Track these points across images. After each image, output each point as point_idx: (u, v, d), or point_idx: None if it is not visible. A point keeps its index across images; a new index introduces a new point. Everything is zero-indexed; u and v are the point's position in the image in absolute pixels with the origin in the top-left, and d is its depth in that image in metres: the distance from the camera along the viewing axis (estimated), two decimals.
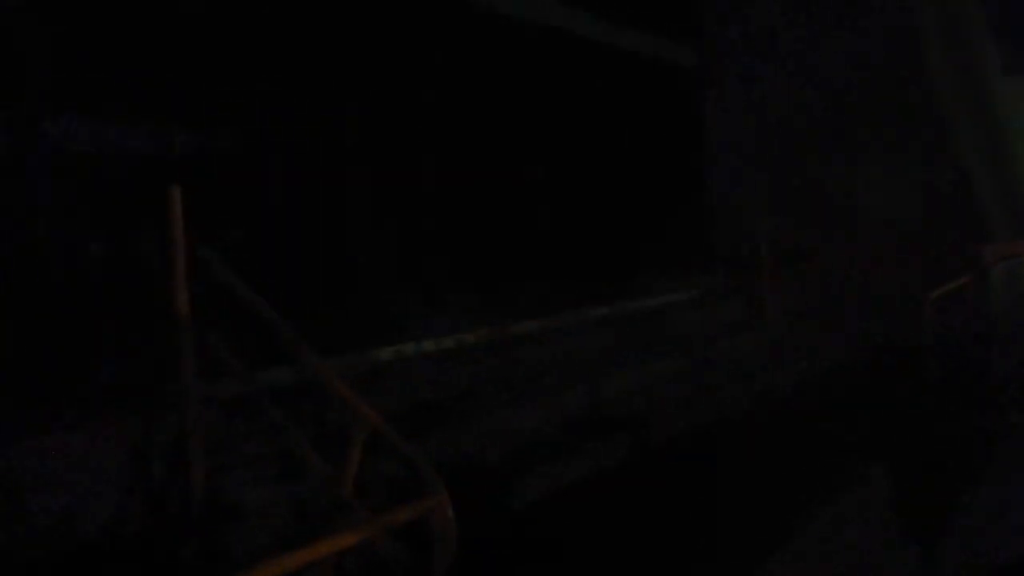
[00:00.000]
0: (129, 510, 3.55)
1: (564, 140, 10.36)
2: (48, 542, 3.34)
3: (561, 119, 10.20)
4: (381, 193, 8.94)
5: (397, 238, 8.97)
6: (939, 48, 12.29)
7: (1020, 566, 4.03)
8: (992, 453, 5.86)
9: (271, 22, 6.82)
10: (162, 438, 3.67)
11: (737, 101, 11.50)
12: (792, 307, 8.99)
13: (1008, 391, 7.37)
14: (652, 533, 4.35)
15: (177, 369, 3.65)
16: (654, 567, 4.06)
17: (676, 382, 6.56)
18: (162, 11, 6.18)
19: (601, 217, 10.73)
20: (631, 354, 6.79)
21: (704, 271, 10.14)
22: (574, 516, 4.53)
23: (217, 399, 3.88)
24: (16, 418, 3.73)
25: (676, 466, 5.42)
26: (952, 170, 12.18)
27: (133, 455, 3.60)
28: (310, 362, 3.22)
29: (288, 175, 7.81)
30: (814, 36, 11.65)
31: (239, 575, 2.43)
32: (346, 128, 8.04)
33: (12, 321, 4.96)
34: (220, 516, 3.65)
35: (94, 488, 3.48)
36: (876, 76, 11.72)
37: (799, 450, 5.60)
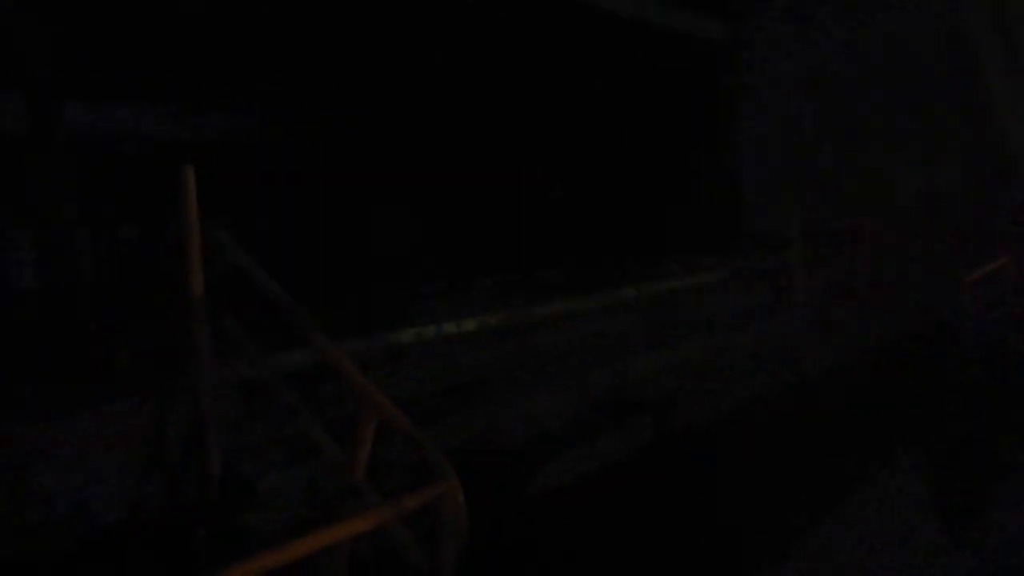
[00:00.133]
0: (145, 493, 3.55)
1: (591, 118, 10.19)
2: (64, 525, 3.35)
3: (588, 96, 10.03)
4: (405, 175, 8.89)
5: (421, 220, 8.93)
6: (986, 28, 11.83)
7: None
8: None
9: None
10: (178, 421, 3.66)
11: (772, 76, 11.19)
12: (825, 289, 8.76)
13: None
14: (676, 520, 4.25)
15: (193, 352, 3.62)
16: (678, 555, 3.97)
17: (703, 366, 6.42)
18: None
19: (628, 196, 10.56)
20: (656, 337, 6.66)
21: (735, 251, 9.94)
22: (595, 502, 4.45)
23: (233, 381, 3.85)
24: (35, 399, 3.74)
25: (701, 451, 5.31)
26: (995, 153, 11.76)
27: (149, 438, 3.59)
28: (322, 346, 3.16)
29: (317, 159, 7.80)
30: (854, 10, 11.27)
31: (252, 560, 2.39)
32: (372, 112, 7.99)
33: (33, 307, 5.00)
34: (236, 499, 3.63)
35: (110, 471, 3.48)
36: (919, 54, 11.32)
37: (829, 435, 5.44)
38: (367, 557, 3.16)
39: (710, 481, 4.80)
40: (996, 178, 11.79)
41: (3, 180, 5.44)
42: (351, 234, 8.61)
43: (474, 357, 5.63)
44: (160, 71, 6.90)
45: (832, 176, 10.99)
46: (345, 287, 8.08)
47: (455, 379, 5.27)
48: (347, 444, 3.12)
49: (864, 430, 5.59)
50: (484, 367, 5.58)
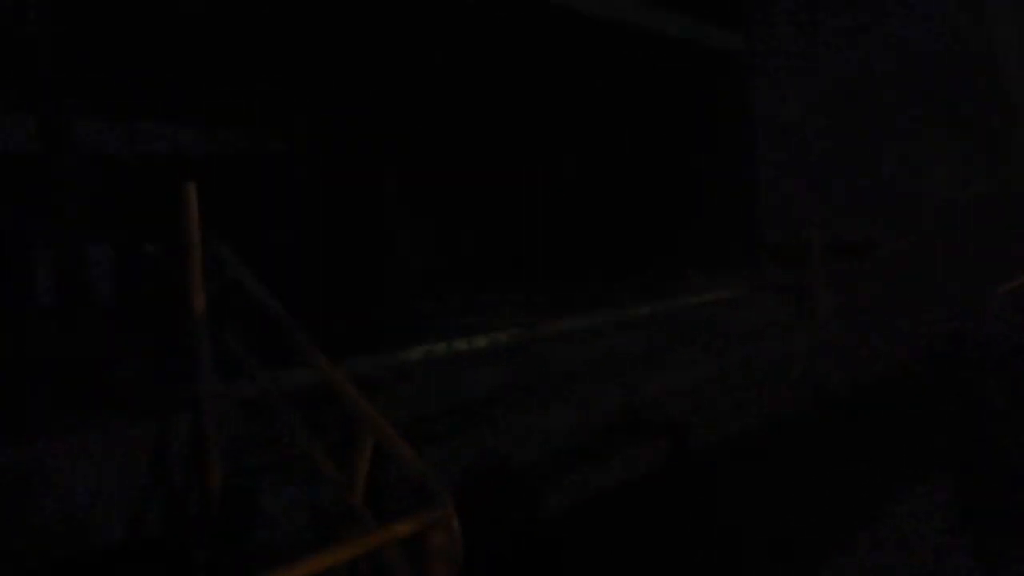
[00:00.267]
0: (147, 512, 3.51)
1: (605, 129, 10.14)
2: (64, 544, 3.31)
3: (602, 110, 9.99)
4: (418, 190, 8.89)
5: (433, 236, 8.91)
6: (1009, 27, 11.61)
7: None
8: None
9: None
10: (180, 439, 3.62)
11: (787, 87, 11.07)
12: (846, 303, 8.58)
13: None
14: (691, 544, 4.13)
15: (194, 369, 3.59)
16: None
17: (720, 384, 6.29)
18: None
19: (643, 211, 10.47)
20: (672, 354, 6.54)
21: (752, 266, 9.80)
22: (606, 523, 4.34)
23: (235, 400, 3.81)
24: (33, 418, 3.73)
25: (718, 472, 5.18)
26: (1021, 156, 11.50)
27: (151, 456, 3.55)
28: (320, 365, 3.11)
29: (331, 176, 7.82)
30: (870, 15, 11.12)
31: None
32: (385, 124, 8.01)
33: (42, 323, 5.02)
34: (237, 519, 3.58)
35: (111, 489, 3.45)
36: (939, 59, 11.14)
37: (850, 457, 5.28)
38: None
39: (725, 504, 4.67)
40: None
41: (28, 199, 5.49)
42: (367, 248, 8.62)
43: (485, 375, 5.56)
44: (185, 87, 6.97)
45: (851, 187, 10.81)
46: (359, 302, 8.07)
47: (465, 397, 5.20)
48: (347, 464, 3.05)
49: (887, 451, 5.42)
50: (494, 385, 5.50)
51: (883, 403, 6.65)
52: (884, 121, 10.80)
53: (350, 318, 7.36)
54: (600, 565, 3.93)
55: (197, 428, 3.59)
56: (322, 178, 8.00)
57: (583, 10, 9.26)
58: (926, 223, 10.26)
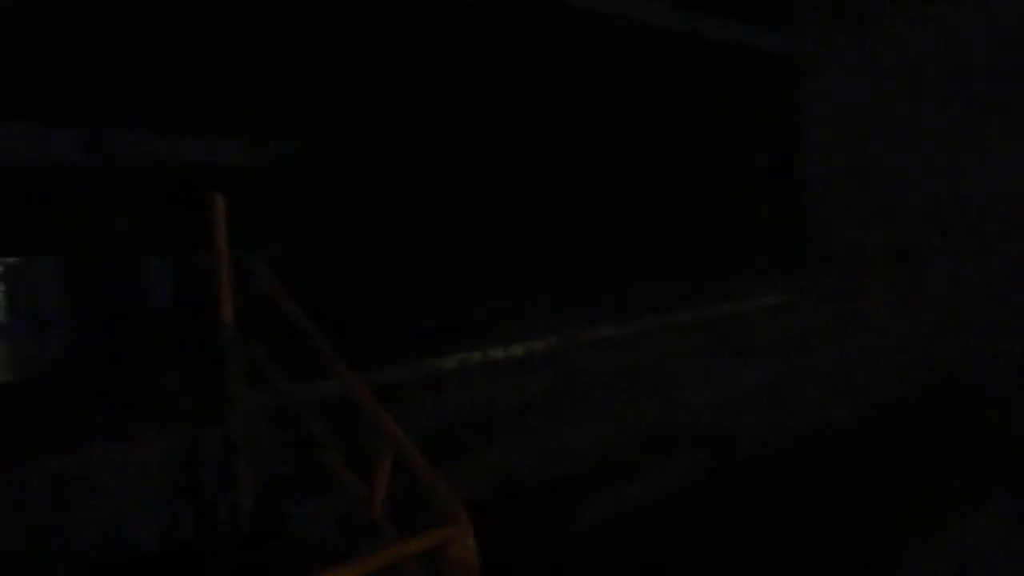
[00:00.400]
0: (178, 522, 3.53)
1: (647, 135, 9.98)
2: (96, 553, 3.35)
3: (648, 114, 9.83)
4: (458, 196, 8.87)
5: (472, 240, 8.88)
6: None
7: None
8: None
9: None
10: (212, 449, 3.64)
11: (836, 89, 10.73)
12: (899, 312, 8.25)
13: None
14: (731, 562, 3.97)
15: (225, 379, 3.61)
16: None
17: (764, 394, 6.09)
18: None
19: (688, 215, 10.27)
20: (715, 363, 6.37)
21: (801, 271, 9.51)
22: (642, 540, 4.21)
23: (265, 410, 3.82)
24: (74, 425, 3.79)
25: (761, 487, 4.99)
26: None
27: (182, 465, 3.57)
28: (342, 376, 3.08)
29: (374, 184, 7.87)
30: (925, 17, 10.71)
31: None
32: (427, 137, 8.03)
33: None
34: (268, 530, 3.58)
35: (143, 499, 3.48)
36: (995, 60, 10.65)
37: (901, 474, 5.04)
38: None
39: (769, 519, 4.49)
40: None
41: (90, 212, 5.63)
42: (405, 254, 8.64)
43: (521, 383, 5.48)
44: (229, 101, 7.10)
45: (907, 193, 10.41)
46: (398, 309, 8.08)
47: (499, 406, 5.13)
48: (368, 477, 3.01)
49: (944, 465, 5.15)
50: (530, 394, 5.42)
51: (939, 416, 6.35)
52: (943, 127, 10.37)
53: (390, 324, 7.37)
54: None
55: (227, 437, 3.60)
56: (365, 186, 8.06)
57: (619, 13, 9.14)
58: (989, 233, 9.80)
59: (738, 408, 5.79)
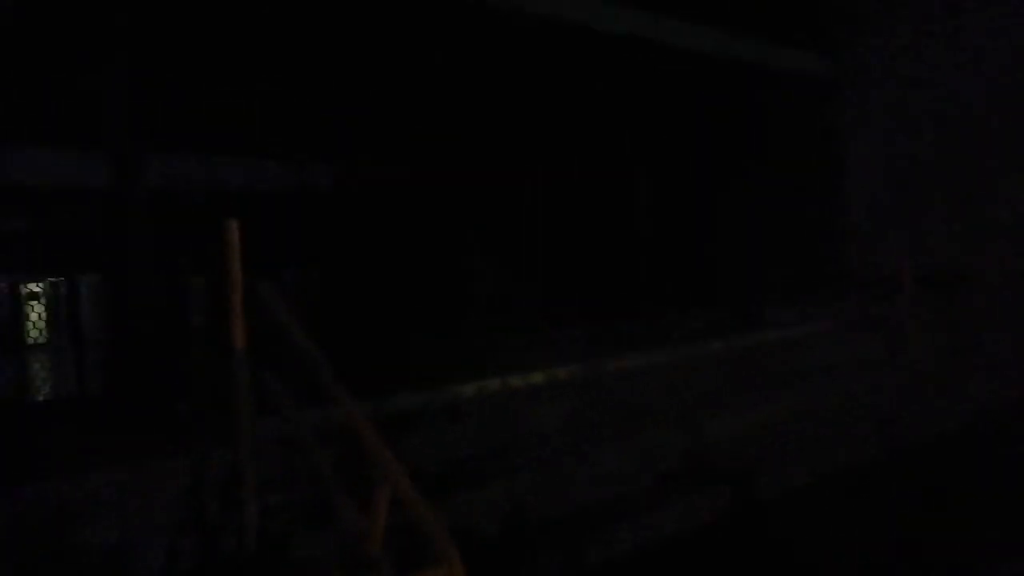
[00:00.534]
0: (182, 548, 3.51)
1: (682, 160, 9.86)
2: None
3: (680, 136, 9.73)
4: (488, 223, 8.84)
5: (502, 266, 8.84)
6: None
7: None
8: None
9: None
10: (218, 475, 3.62)
11: (878, 108, 10.48)
12: (943, 341, 7.94)
13: None
14: None
15: (234, 405, 3.59)
16: None
17: (794, 426, 5.89)
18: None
19: (724, 241, 10.08)
20: (744, 393, 6.19)
21: (838, 298, 9.25)
22: None
23: (273, 437, 3.79)
24: (81, 449, 3.82)
25: (788, 523, 4.80)
26: None
27: (187, 491, 3.56)
28: (345, 407, 3.03)
29: (415, 213, 7.91)
30: (972, 31, 10.38)
31: None
32: (463, 163, 8.05)
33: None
34: (271, 559, 3.53)
35: (147, 524, 3.47)
36: None
37: (939, 513, 4.80)
38: None
39: (794, 561, 4.30)
40: None
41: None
42: (436, 277, 8.62)
43: (541, 413, 5.38)
44: (271, 124, 7.20)
45: (954, 212, 10.06)
46: (423, 333, 8.05)
47: (516, 436, 5.03)
48: (366, 511, 2.95)
49: (981, 509, 4.90)
50: (551, 424, 5.32)
51: (977, 454, 6.06)
52: (990, 149, 10.03)
53: (413, 349, 7.34)
54: None
55: (234, 465, 3.58)
56: (400, 212, 8.08)
57: (658, 39, 9.07)
58: None
59: (762, 441, 5.61)
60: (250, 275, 3.79)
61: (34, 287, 11.95)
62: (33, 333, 11.74)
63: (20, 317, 11.60)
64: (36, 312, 11.86)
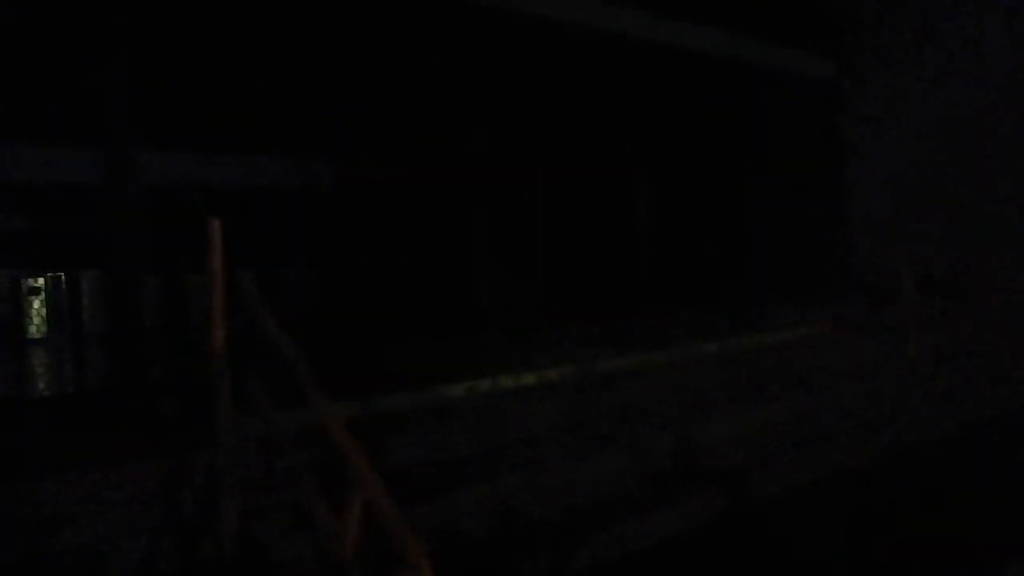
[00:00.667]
0: (159, 551, 3.47)
1: (686, 160, 9.78)
2: None
3: (679, 133, 9.65)
4: (488, 218, 8.78)
5: (493, 262, 8.78)
6: None
7: None
8: None
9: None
10: (196, 478, 3.59)
11: (880, 111, 10.38)
12: (944, 346, 7.85)
13: None
14: None
15: (214, 405, 3.56)
16: None
17: (788, 430, 5.82)
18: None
19: (728, 243, 10.01)
20: (738, 396, 6.12)
21: (840, 301, 9.16)
22: None
23: (253, 438, 3.75)
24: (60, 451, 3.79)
25: (778, 528, 4.74)
26: None
27: (165, 494, 3.52)
28: (320, 409, 2.99)
29: (423, 209, 7.87)
30: (978, 34, 10.28)
31: None
32: (464, 157, 8.00)
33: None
34: (249, 562, 3.50)
35: (124, 526, 3.43)
36: None
37: (931, 521, 4.72)
38: None
39: (785, 565, 4.24)
40: None
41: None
42: (439, 277, 8.57)
43: (531, 414, 5.33)
44: (271, 121, 7.17)
45: (957, 216, 9.96)
46: (421, 332, 8.01)
47: (504, 438, 4.98)
48: (339, 514, 2.90)
49: (978, 516, 4.82)
50: (541, 425, 5.26)
51: (974, 461, 5.98)
52: (996, 152, 9.91)
53: (407, 348, 7.30)
54: None
55: (213, 465, 3.54)
56: (407, 214, 8.04)
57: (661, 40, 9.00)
58: None
59: (755, 444, 5.54)
60: (236, 273, 3.75)
61: (35, 282, 11.96)
62: (33, 329, 11.75)
63: (20, 313, 11.62)
64: (36, 307, 11.88)
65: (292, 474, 3.32)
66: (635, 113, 9.19)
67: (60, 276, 11.91)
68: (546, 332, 7.89)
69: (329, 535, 2.92)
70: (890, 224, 10.07)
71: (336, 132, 8.03)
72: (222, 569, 3.53)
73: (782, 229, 10.02)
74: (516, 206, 8.91)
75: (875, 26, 10.50)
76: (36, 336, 11.62)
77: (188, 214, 6.64)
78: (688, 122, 9.51)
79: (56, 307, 12.07)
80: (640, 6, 8.45)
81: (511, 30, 8.01)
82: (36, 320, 11.79)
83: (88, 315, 10.94)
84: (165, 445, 3.77)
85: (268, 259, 8.69)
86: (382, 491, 2.58)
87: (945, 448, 6.13)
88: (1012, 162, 9.65)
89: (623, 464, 4.89)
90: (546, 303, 9.25)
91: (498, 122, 8.42)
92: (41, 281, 11.91)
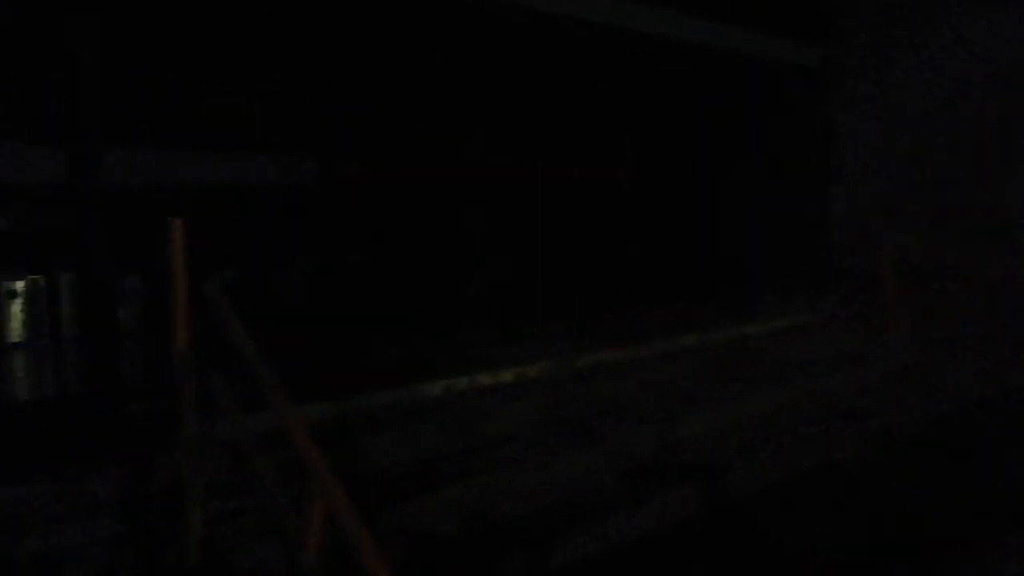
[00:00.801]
0: (122, 559, 3.40)
1: (666, 148, 9.72)
2: None
3: (662, 123, 9.58)
4: (468, 214, 8.71)
5: (461, 256, 8.70)
6: None
7: None
8: None
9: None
10: (159, 482, 3.51)
11: (869, 105, 10.35)
12: (927, 333, 7.83)
13: None
14: None
15: (179, 409, 3.48)
16: None
17: (769, 422, 5.78)
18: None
19: (710, 233, 9.96)
20: (719, 389, 6.08)
21: (824, 291, 9.14)
22: None
23: (218, 442, 3.68)
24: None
25: (760, 522, 4.70)
26: None
27: (128, 499, 3.45)
28: (283, 414, 2.92)
29: (406, 205, 7.76)
30: (956, 33, 10.25)
31: None
32: (445, 156, 7.90)
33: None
34: (213, 570, 3.42)
35: (85, 534, 3.36)
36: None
37: (916, 509, 4.69)
38: None
39: (763, 563, 4.20)
40: None
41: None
42: (417, 268, 8.49)
43: (510, 411, 5.28)
44: (257, 118, 7.06)
45: (942, 204, 9.95)
46: (398, 330, 7.94)
47: (480, 436, 4.93)
48: (302, 520, 2.84)
49: (961, 502, 4.79)
50: (519, 422, 5.21)
51: (961, 445, 5.96)
52: (977, 142, 9.88)
53: (385, 346, 7.23)
54: None
55: (177, 469, 3.47)
56: (398, 207, 7.95)
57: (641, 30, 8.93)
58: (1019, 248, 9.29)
59: (737, 437, 5.50)
60: (203, 273, 3.67)
61: (13, 285, 11.79)
62: (11, 331, 11.59)
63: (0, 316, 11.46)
64: (15, 310, 11.71)
65: (258, 478, 3.25)
66: (618, 103, 9.12)
67: (38, 279, 11.77)
68: (534, 328, 7.84)
69: (294, 542, 2.86)
70: (874, 212, 10.05)
71: (318, 130, 7.94)
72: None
73: (768, 218, 10.00)
74: (506, 202, 8.84)
75: (863, 16, 10.46)
76: (16, 340, 11.47)
77: (158, 213, 6.54)
78: (673, 112, 9.45)
79: (35, 310, 11.91)
80: None
81: (491, 18, 7.91)
82: (15, 324, 11.62)
83: (67, 318, 10.80)
84: (131, 449, 3.69)
85: (257, 257, 8.59)
86: (344, 500, 2.51)
87: (932, 435, 6.11)
88: (993, 152, 9.63)
89: (601, 460, 4.84)
90: (535, 299, 9.19)
91: (485, 119, 8.34)
92: (20, 284, 11.75)
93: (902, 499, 4.89)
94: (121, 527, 3.41)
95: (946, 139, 9.81)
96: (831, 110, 10.79)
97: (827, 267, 9.84)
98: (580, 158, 9.03)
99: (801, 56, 10.80)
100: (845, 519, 4.62)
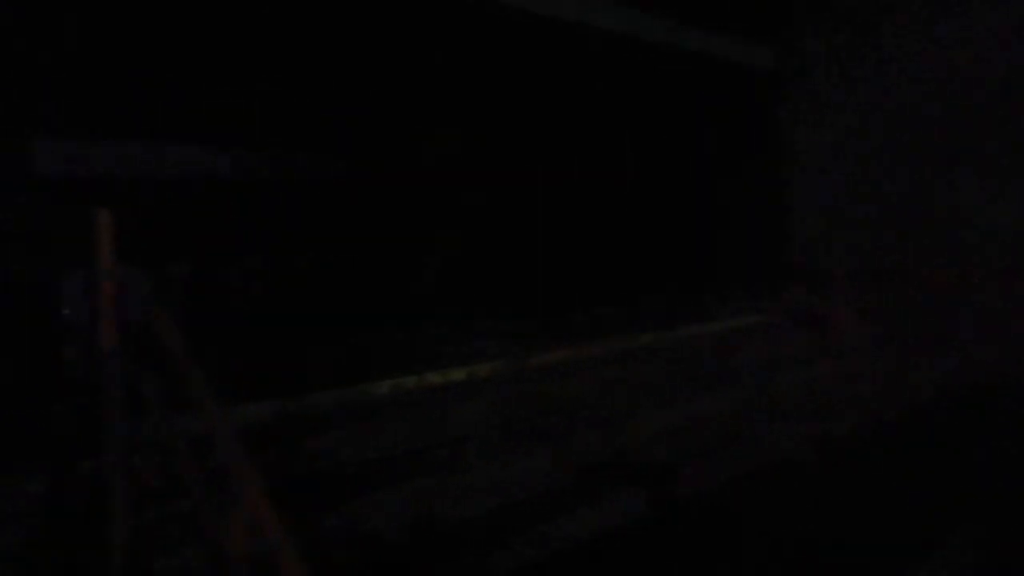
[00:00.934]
0: (36, 570, 3.22)
1: (620, 148, 9.71)
2: None
3: (620, 126, 9.56)
4: (441, 211, 8.57)
5: (409, 249, 8.57)
6: None
7: None
8: None
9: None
10: (79, 488, 3.34)
11: (825, 109, 10.47)
12: (878, 335, 7.94)
13: None
14: None
15: (103, 410, 3.31)
16: None
17: (718, 423, 5.78)
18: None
19: (663, 234, 9.98)
20: (669, 390, 6.06)
21: (777, 293, 9.22)
22: None
23: (145, 445, 3.51)
24: None
25: (705, 523, 4.67)
26: None
27: (46, 511, 3.27)
28: (211, 415, 2.77)
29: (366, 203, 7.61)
30: (914, 40, 10.41)
31: None
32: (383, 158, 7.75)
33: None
34: None
35: (8, 542, 3.17)
36: (997, 86, 10.30)
37: (865, 507, 4.72)
38: None
39: (713, 558, 4.17)
40: None
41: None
42: (391, 270, 8.33)
43: (460, 411, 5.18)
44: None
45: (892, 208, 10.11)
46: (348, 328, 7.77)
47: (431, 436, 4.82)
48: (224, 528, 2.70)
49: (906, 501, 4.83)
50: (466, 423, 5.11)
51: (908, 445, 6.03)
52: (934, 148, 10.04)
53: (333, 345, 7.06)
54: None
55: (101, 475, 3.30)
56: (359, 203, 7.79)
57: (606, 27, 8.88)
58: (970, 251, 9.48)
59: (687, 438, 5.48)
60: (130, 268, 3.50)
61: None
62: None
63: None
64: None
65: (183, 482, 3.10)
66: (566, 102, 9.05)
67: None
68: (488, 325, 7.75)
69: (217, 550, 2.72)
70: (832, 217, 10.18)
71: (276, 123, 7.71)
72: None
73: (726, 222, 10.05)
74: (463, 197, 8.73)
75: (819, 19, 10.57)
76: None
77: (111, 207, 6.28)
78: (626, 112, 9.42)
79: None
80: None
81: (451, 15, 7.80)
82: None
83: None
84: (52, 452, 3.51)
85: (208, 251, 8.33)
86: (266, 507, 2.38)
87: (883, 434, 6.17)
88: (946, 155, 9.82)
89: (552, 461, 4.77)
90: (490, 298, 9.09)
91: (446, 116, 8.21)
92: None
93: (841, 500, 4.91)
94: (37, 536, 3.22)
95: (895, 141, 9.97)
96: (787, 111, 10.90)
97: (787, 267, 9.93)
98: (534, 157, 8.95)
99: (755, 56, 10.89)
100: (788, 519, 4.63)
